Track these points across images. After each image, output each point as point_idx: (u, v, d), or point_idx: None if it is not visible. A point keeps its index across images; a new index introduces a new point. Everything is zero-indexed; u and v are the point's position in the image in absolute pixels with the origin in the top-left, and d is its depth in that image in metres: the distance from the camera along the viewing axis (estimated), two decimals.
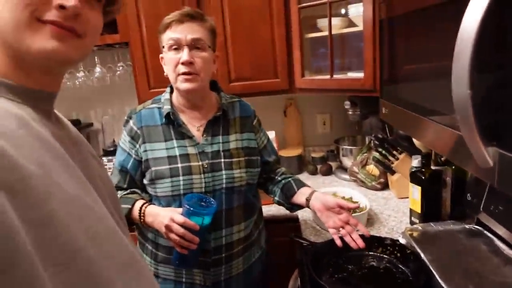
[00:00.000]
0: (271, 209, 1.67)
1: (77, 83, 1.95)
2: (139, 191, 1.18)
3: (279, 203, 1.34)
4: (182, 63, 1.07)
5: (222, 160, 1.15)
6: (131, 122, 1.17)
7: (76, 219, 0.44)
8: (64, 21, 0.48)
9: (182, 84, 1.10)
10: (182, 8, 1.69)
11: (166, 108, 1.14)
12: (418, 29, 0.87)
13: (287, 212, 1.62)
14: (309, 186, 1.29)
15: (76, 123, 2.14)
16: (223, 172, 1.14)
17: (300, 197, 1.25)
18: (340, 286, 1.06)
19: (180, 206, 1.09)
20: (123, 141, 1.19)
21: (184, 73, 1.08)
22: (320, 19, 1.68)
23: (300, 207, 1.28)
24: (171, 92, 1.20)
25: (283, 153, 2.07)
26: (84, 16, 0.51)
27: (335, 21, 1.60)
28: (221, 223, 1.14)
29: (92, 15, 0.53)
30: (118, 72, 1.95)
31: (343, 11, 1.67)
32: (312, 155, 2.16)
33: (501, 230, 1.06)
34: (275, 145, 1.80)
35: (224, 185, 1.14)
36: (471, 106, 0.54)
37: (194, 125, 1.17)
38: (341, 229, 1.13)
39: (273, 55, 1.74)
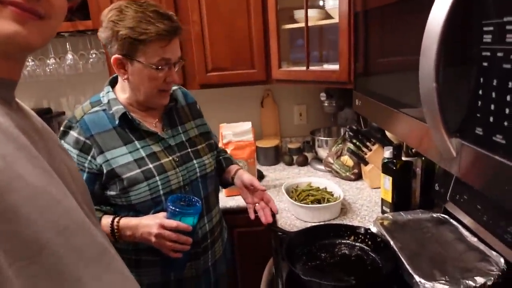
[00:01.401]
0: None
1: (48, 70, 1.89)
2: (98, 207, 1.06)
3: None
4: (169, 82, 1.05)
5: (189, 150, 1.15)
6: (73, 132, 1.03)
7: (41, 212, 0.43)
8: (26, 3, 0.45)
9: (160, 100, 1.08)
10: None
11: (118, 108, 1.04)
12: (392, 23, 0.89)
13: None
14: (237, 164, 1.35)
15: (47, 111, 2.06)
16: (194, 161, 1.14)
17: (227, 175, 1.31)
18: (314, 274, 1.08)
19: (162, 210, 1.04)
20: None
21: (166, 90, 1.07)
22: (297, 11, 1.69)
23: (230, 184, 1.33)
24: (113, 89, 1.10)
25: (260, 143, 2.08)
26: None
27: (312, 12, 1.61)
28: (202, 211, 1.14)
29: None
30: (91, 60, 1.90)
31: (320, 3, 1.68)
32: (288, 146, 2.19)
33: (465, 219, 1.11)
34: (251, 136, 1.82)
35: (198, 174, 1.14)
36: (436, 99, 0.56)
37: (149, 122, 1.11)
38: (256, 204, 1.22)
39: (250, 46, 1.74)
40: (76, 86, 2.15)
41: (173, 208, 0.97)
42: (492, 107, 0.49)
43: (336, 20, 1.50)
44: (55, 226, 0.44)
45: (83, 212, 0.52)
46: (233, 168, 1.31)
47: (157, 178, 1.05)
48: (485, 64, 0.50)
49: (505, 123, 0.47)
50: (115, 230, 1.00)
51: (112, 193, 1.05)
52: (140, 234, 0.99)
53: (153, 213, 1.05)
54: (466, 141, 0.56)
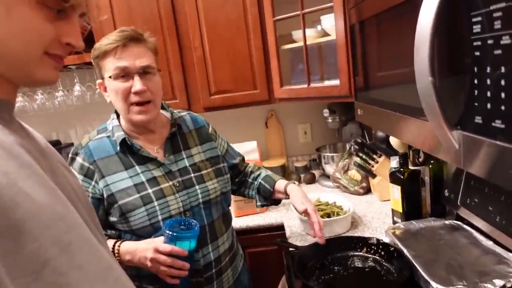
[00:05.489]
0: (256, 219, 1.67)
1: (57, 103, 1.94)
2: (103, 231, 1.00)
3: (263, 206, 1.36)
4: (135, 93, 1.01)
5: (192, 175, 1.12)
6: (79, 158, 1.06)
7: (45, 228, 0.43)
8: (65, 55, 0.53)
9: (137, 116, 1.04)
10: (160, 27, 1.74)
11: (119, 134, 1.06)
12: (388, 29, 0.91)
13: (273, 221, 1.65)
14: (279, 178, 1.32)
15: (56, 143, 2.11)
16: (197, 187, 1.11)
17: (278, 195, 1.30)
18: (328, 287, 1.06)
19: (162, 235, 1.02)
20: None
21: (137, 104, 1.03)
22: (295, 31, 1.74)
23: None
24: (118, 117, 1.13)
25: (266, 163, 2.09)
26: None
27: (310, 32, 1.66)
28: (206, 239, 1.10)
29: None
30: (98, 90, 1.95)
31: (318, 27, 1.73)
32: (295, 164, 2.19)
33: (479, 222, 1.09)
34: (257, 155, 1.82)
35: (200, 200, 1.10)
36: (434, 93, 0.57)
37: (151, 147, 1.11)
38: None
39: (251, 67, 1.78)
40: (84, 117, 2.20)
41: (168, 232, 0.95)
42: (488, 94, 0.50)
43: (333, 37, 1.54)
44: (59, 242, 0.44)
45: (89, 228, 0.52)
46: (281, 185, 1.28)
47: (155, 203, 1.04)
48: (477, 53, 0.52)
49: (503, 107, 0.48)
50: (116, 255, 0.99)
51: (114, 219, 1.05)
52: (138, 259, 0.98)
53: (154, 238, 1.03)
54: (466, 132, 0.57)
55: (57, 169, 0.56)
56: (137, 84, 1.00)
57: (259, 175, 1.34)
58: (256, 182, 1.33)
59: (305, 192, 1.85)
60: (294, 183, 1.30)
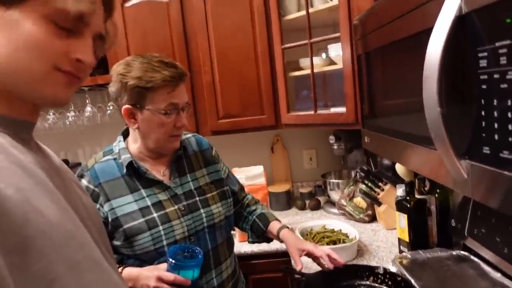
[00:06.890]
0: (261, 244, 1.65)
1: (68, 123, 1.98)
2: None
3: (254, 242, 1.36)
4: (179, 127, 1.07)
5: (197, 198, 1.12)
6: (84, 181, 1.07)
7: (55, 246, 0.43)
8: (77, 72, 0.52)
9: (172, 144, 1.09)
10: (172, 53, 1.79)
11: (126, 157, 1.07)
12: (393, 61, 0.94)
13: (278, 246, 1.63)
14: (274, 219, 1.30)
15: (64, 162, 2.13)
16: (202, 210, 1.11)
17: (271, 236, 1.29)
18: None
19: (166, 261, 1.00)
20: None
21: (177, 135, 1.09)
22: (302, 59, 1.79)
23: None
24: (124, 139, 1.14)
25: (271, 189, 2.09)
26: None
27: (317, 60, 1.70)
28: (210, 264, 1.10)
29: None
30: (109, 112, 1.99)
31: (322, 52, 1.78)
32: (300, 190, 2.19)
33: (486, 253, 1.08)
34: (264, 180, 1.83)
35: (205, 224, 1.11)
36: (442, 123, 0.59)
37: (157, 170, 1.12)
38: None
39: (259, 93, 1.82)
40: (93, 137, 2.23)
41: (172, 260, 0.94)
42: (496, 125, 0.52)
43: (340, 66, 1.58)
44: (68, 261, 0.44)
45: (99, 249, 0.52)
46: (275, 227, 1.26)
47: (160, 227, 1.04)
48: (484, 86, 0.54)
49: (510, 139, 0.49)
50: None
51: (118, 243, 1.05)
52: (140, 286, 0.96)
53: (157, 263, 1.02)
54: (475, 162, 0.58)
55: (70, 187, 0.57)
56: (183, 119, 1.07)
57: (254, 210, 1.34)
58: (250, 217, 1.33)
59: (311, 218, 1.86)
60: (288, 227, 1.27)
